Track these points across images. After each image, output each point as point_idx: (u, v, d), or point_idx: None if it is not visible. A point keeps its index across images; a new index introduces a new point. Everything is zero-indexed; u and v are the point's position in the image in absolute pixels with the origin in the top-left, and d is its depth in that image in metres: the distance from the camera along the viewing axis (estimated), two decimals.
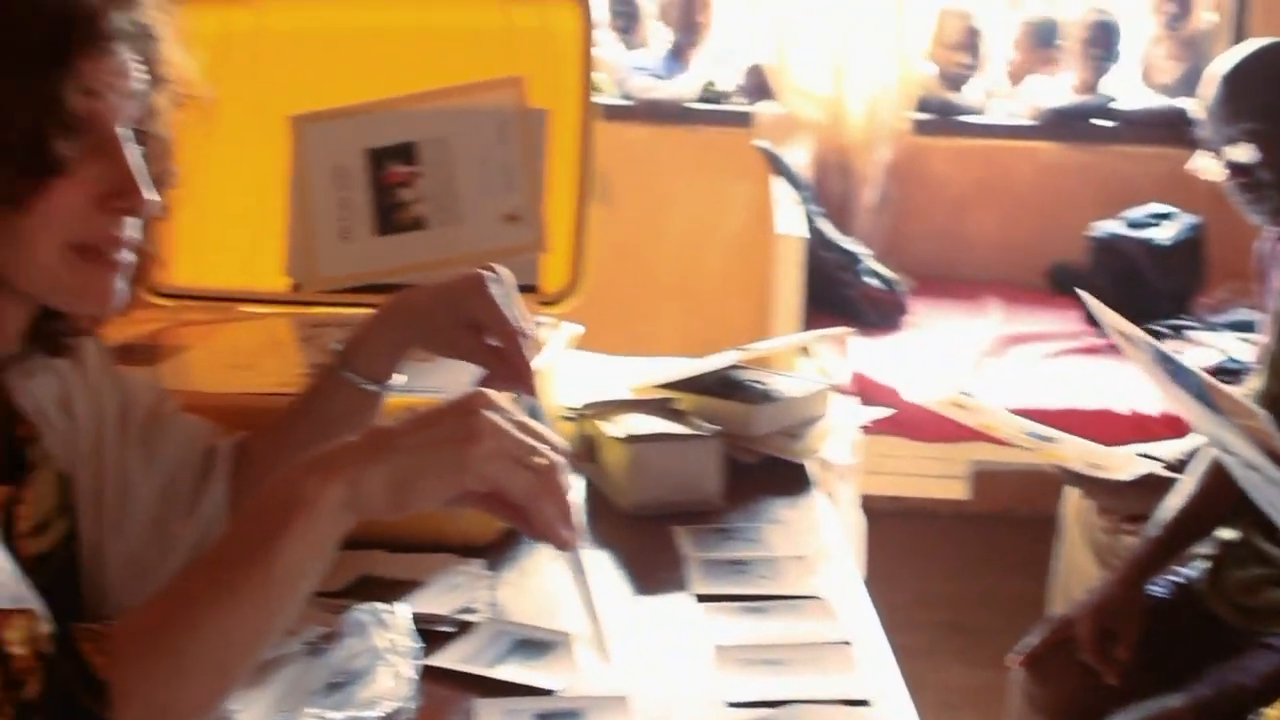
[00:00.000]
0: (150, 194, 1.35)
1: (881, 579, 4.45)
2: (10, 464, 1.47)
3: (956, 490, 4.33)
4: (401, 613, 1.55)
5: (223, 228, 2.42)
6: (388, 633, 1.50)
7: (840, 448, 2.20)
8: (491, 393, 1.27)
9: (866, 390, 4.20)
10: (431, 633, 1.59)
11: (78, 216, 1.33)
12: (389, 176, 2.34)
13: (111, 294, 1.39)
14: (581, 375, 2.35)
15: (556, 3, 2.37)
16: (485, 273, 1.59)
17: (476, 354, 1.58)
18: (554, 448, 1.26)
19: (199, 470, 1.68)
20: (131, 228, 1.37)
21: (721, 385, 2.19)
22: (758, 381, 2.20)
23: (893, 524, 5.02)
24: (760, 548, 1.84)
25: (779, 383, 2.23)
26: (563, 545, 1.26)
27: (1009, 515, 5.01)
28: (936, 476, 4.31)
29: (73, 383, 1.56)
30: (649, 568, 1.79)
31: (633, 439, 1.97)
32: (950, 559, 4.91)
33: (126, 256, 1.38)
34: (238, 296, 2.37)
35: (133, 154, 1.35)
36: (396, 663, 1.46)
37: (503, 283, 1.58)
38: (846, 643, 1.58)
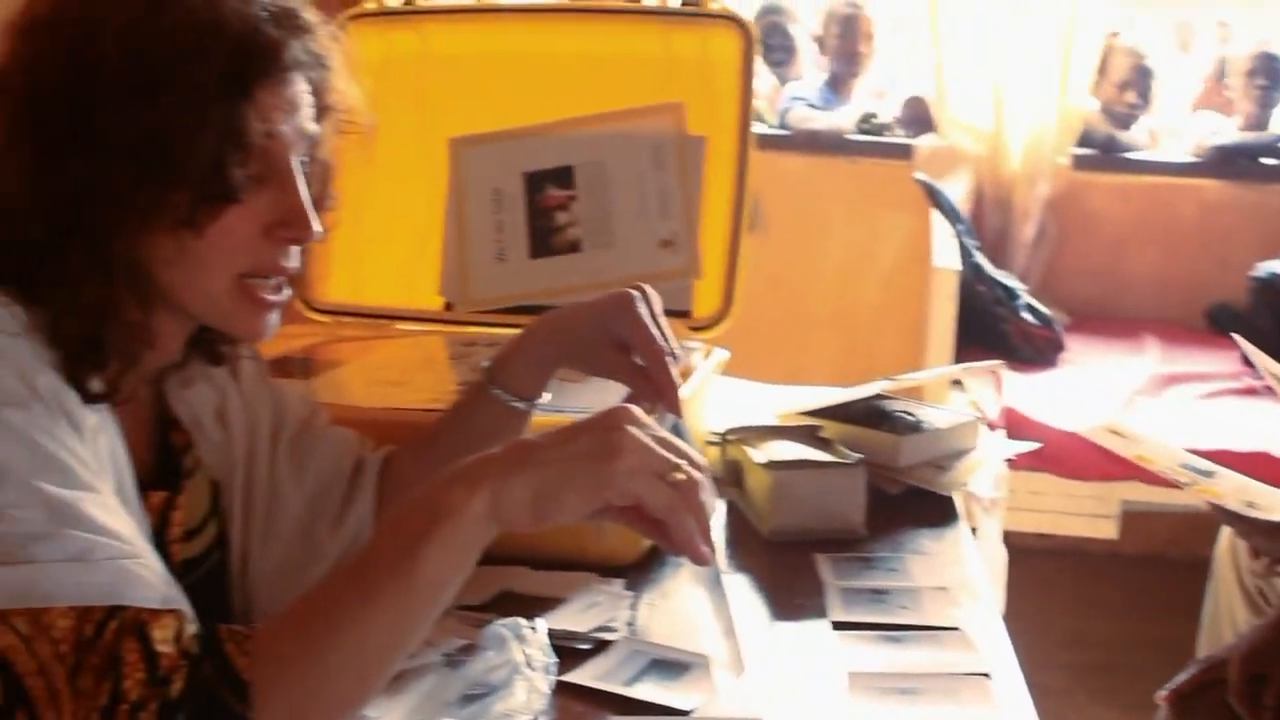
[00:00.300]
0: (317, 225, 1.39)
1: (1025, 616, 4.41)
2: (166, 470, 1.51)
3: (1106, 530, 4.28)
4: (540, 628, 1.57)
5: (380, 247, 2.47)
6: (525, 647, 1.52)
7: (986, 481, 2.18)
8: (635, 409, 1.28)
9: (1018, 426, 4.17)
10: (569, 649, 1.60)
11: (246, 244, 1.37)
12: (545, 200, 2.37)
13: (265, 329, 1.44)
14: (729, 400, 2.36)
15: (717, 30, 2.38)
16: (633, 292, 1.60)
17: (622, 372, 1.59)
18: (695, 465, 1.27)
19: (348, 482, 1.71)
20: (293, 259, 1.41)
21: (869, 415, 2.19)
22: (906, 412, 2.20)
23: (1040, 562, 4.97)
24: (901, 578, 1.84)
25: (928, 414, 2.22)
26: (700, 560, 1.26)
27: (1159, 557, 4.94)
28: (1086, 515, 4.26)
29: (228, 393, 1.60)
30: (788, 594, 1.79)
31: (776, 465, 1.98)
32: (1096, 599, 4.85)
33: (284, 295, 1.43)
34: (393, 314, 2.41)
35: (303, 185, 1.39)
36: (532, 677, 1.48)
37: (650, 302, 1.59)
38: (985, 675, 1.56)
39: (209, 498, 1.57)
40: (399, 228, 2.48)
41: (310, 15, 1.42)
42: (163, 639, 1.20)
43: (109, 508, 1.26)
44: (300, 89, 1.39)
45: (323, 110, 1.44)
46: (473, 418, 1.70)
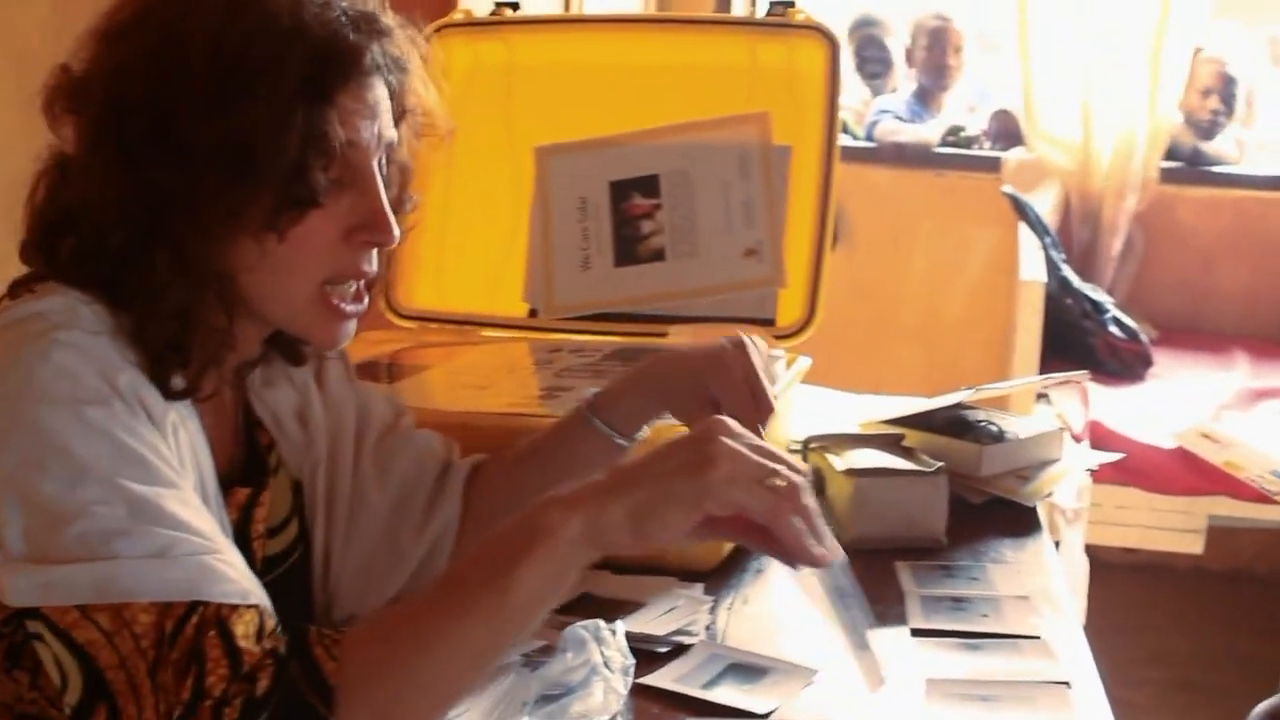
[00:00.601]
0: (396, 229, 1.41)
1: (1110, 632, 4.39)
2: (252, 467, 1.54)
3: (1192, 545, 4.24)
4: (619, 630, 1.58)
5: (466, 254, 2.49)
6: (604, 649, 1.53)
7: (1069, 492, 2.18)
8: (728, 420, 1.28)
9: (1104, 439, 4.15)
10: (647, 652, 1.61)
11: (327, 249, 1.38)
12: (631, 208, 2.38)
13: (341, 338, 1.45)
14: (812, 409, 2.36)
15: (803, 40, 2.39)
16: (729, 347, 1.60)
17: None
18: (793, 468, 1.26)
19: (433, 486, 1.72)
20: (373, 263, 1.43)
21: (952, 424, 2.19)
22: (989, 422, 2.19)
23: (1125, 577, 4.94)
24: (982, 586, 1.83)
25: (1011, 424, 2.21)
26: (815, 562, 1.26)
27: (1245, 573, 4.90)
28: (1172, 530, 4.23)
29: (310, 394, 1.62)
30: (868, 600, 1.79)
31: (857, 473, 1.98)
32: (1182, 615, 4.81)
33: (361, 305, 1.45)
34: (478, 321, 2.43)
35: (383, 189, 1.40)
36: (610, 678, 1.49)
37: (752, 352, 1.60)
38: (1064, 684, 1.56)
39: (291, 496, 1.59)
40: (485, 235, 2.50)
41: (389, 19, 1.43)
42: (244, 634, 1.21)
43: (189, 504, 1.28)
44: (379, 93, 1.40)
45: (401, 113, 1.46)
46: (569, 444, 1.70)
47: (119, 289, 1.33)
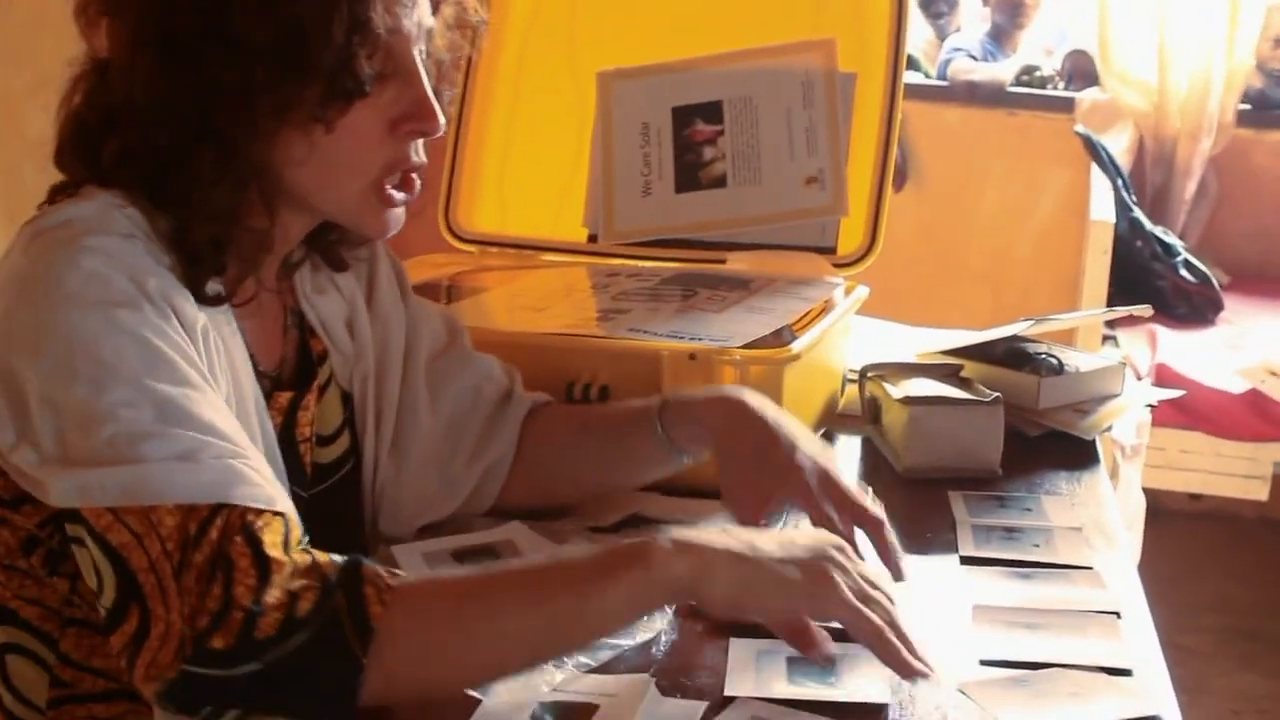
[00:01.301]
0: (441, 118, 1.41)
1: (1172, 579, 4.38)
2: (302, 373, 1.54)
3: (1257, 491, 4.20)
4: None
5: (527, 179, 2.49)
6: None
7: (1128, 427, 2.15)
8: (848, 549, 1.35)
9: (1171, 383, 4.10)
10: None
11: (375, 141, 1.40)
12: (693, 134, 2.37)
13: (390, 226, 1.46)
14: (871, 339, 2.35)
15: None
16: (809, 471, 1.58)
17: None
18: (888, 598, 1.35)
19: (490, 414, 1.72)
20: (420, 152, 1.44)
21: (1011, 356, 2.17)
22: (1049, 354, 2.17)
23: (1189, 524, 4.91)
24: (1035, 517, 1.82)
25: (1071, 357, 2.19)
26: (913, 675, 1.32)
27: None
28: (1238, 476, 4.19)
29: (358, 305, 1.63)
30: (919, 528, 1.77)
31: (913, 401, 1.96)
32: (1244, 564, 4.78)
33: (408, 195, 1.45)
34: (538, 245, 2.43)
35: (426, 78, 1.41)
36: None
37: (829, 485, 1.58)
38: (1115, 614, 1.54)
39: (342, 408, 1.60)
40: (546, 160, 2.50)
41: None
42: (272, 542, 1.22)
43: (216, 407, 1.28)
44: None
45: (437, 4, 1.47)
46: (630, 438, 1.70)
47: (162, 190, 1.34)
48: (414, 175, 1.45)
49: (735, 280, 2.14)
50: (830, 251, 2.28)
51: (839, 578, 1.30)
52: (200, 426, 1.25)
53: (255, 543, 1.22)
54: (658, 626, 1.46)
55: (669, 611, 1.48)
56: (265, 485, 1.26)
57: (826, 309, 2.04)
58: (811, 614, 1.31)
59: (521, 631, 1.25)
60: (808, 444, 1.60)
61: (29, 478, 1.25)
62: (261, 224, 1.40)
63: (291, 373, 1.54)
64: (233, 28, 1.30)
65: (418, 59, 1.41)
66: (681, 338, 1.85)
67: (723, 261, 2.26)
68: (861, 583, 1.32)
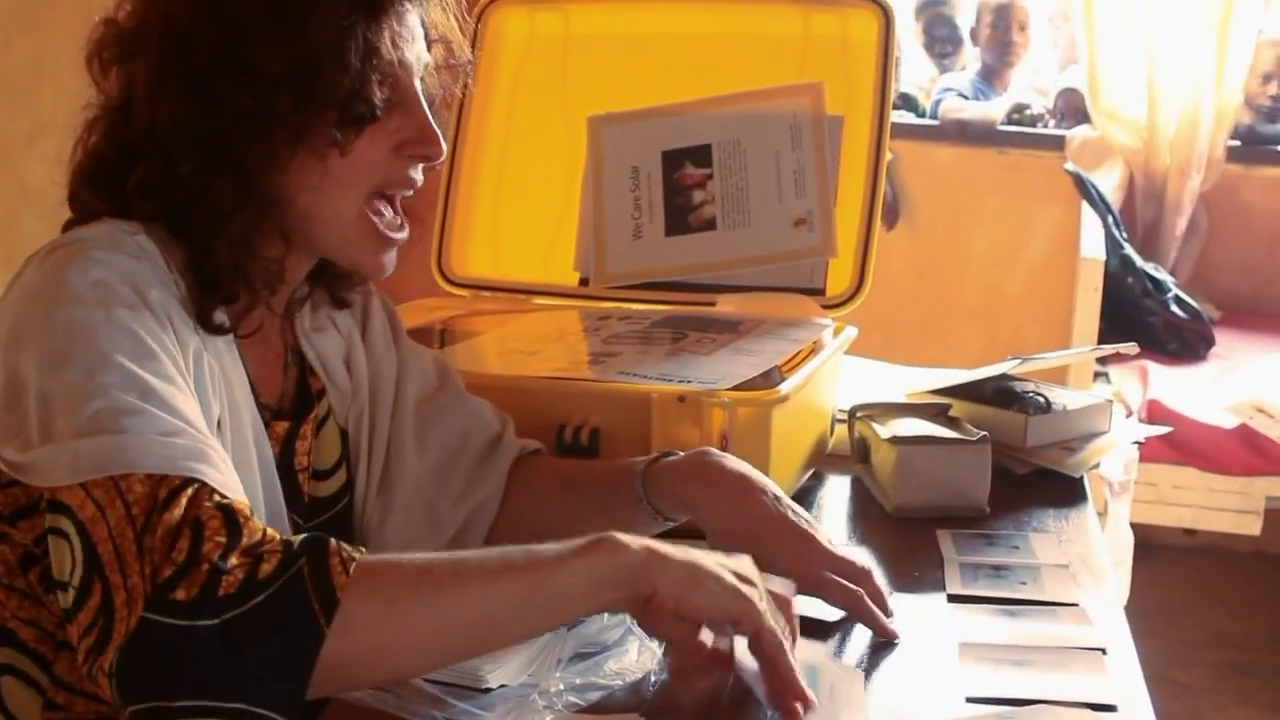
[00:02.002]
0: (443, 143, 1.49)
1: (1167, 614, 4.39)
2: (300, 408, 1.58)
3: (1250, 526, 4.21)
4: None
5: (519, 223, 2.52)
6: None
7: (1115, 464, 2.17)
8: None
9: (1163, 418, 4.13)
10: None
11: (379, 164, 1.47)
12: (683, 177, 2.39)
13: (384, 262, 1.52)
14: (860, 379, 2.37)
15: (856, 11, 2.39)
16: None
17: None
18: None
19: (478, 457, 1.74)
20: (419, 174, 1.51)
21: (999, 395, 2.19)
22: (1036, 393, 2.19)
23: (1184, 559, 4.93)
24: (1022, 555, 1.83)
25: (1058, 395, 2.21)
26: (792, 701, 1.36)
27: None
28: (1230, 511, 4.20)
29: (355, 343, 1.67)
30: (908, 566, 1.79)
31: (901, 441, 1.98)
32: (1241, 598, 4.79)
33: (403, 234, 1.52)
34: (529, 289, 2.44)
35: (426, 106, 1.49)
36: (645, 637, 1.50)
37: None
38: (1100, 650, 1.56)
39: (340, 444, 1.63)
40: (537, 204, 2.52)
41: None
42: (241, 510, 1.24)
43: (195, 410, 1.31)
44: (416, 20, 1.49)
45: (429, 43, 1.54)
46: (612, 503, 1.71)
47: (184, 219, 1.40)
48: (405, 220, 1.52)
49: (725, 322, 2.16)
50: (819, 293, 2.30)
51: (756, 597, 1.36)
52: (181, 416, 1.28)
53: (227, 509, 1.23)
54: (647, 666, 1.48)
55: (658, 652, 1.50)
56: (231, 484, 1.28)
57: (815, 350, 2.06)
58: (740, 622, 1.35)
59: (472, 609, 1.27)
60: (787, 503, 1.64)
61: (19, 466, 1.27)
62: (276, 252, 1.46)
63: (290, 407, 1.58)
64: (250, 59, 1.37)
65: (418, 88, 1.49)
66: (671, 380, 1.87)
67: (712, 304, 2.27)
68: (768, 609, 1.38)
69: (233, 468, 1.32)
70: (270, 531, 1.24)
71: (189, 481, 1.23)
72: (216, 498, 1.24)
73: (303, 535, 1.25)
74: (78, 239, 1.36)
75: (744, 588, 1.35)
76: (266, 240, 1.45)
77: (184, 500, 1.22)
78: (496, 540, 1.73)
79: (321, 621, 1.19)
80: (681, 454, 1.69)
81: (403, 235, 1.52)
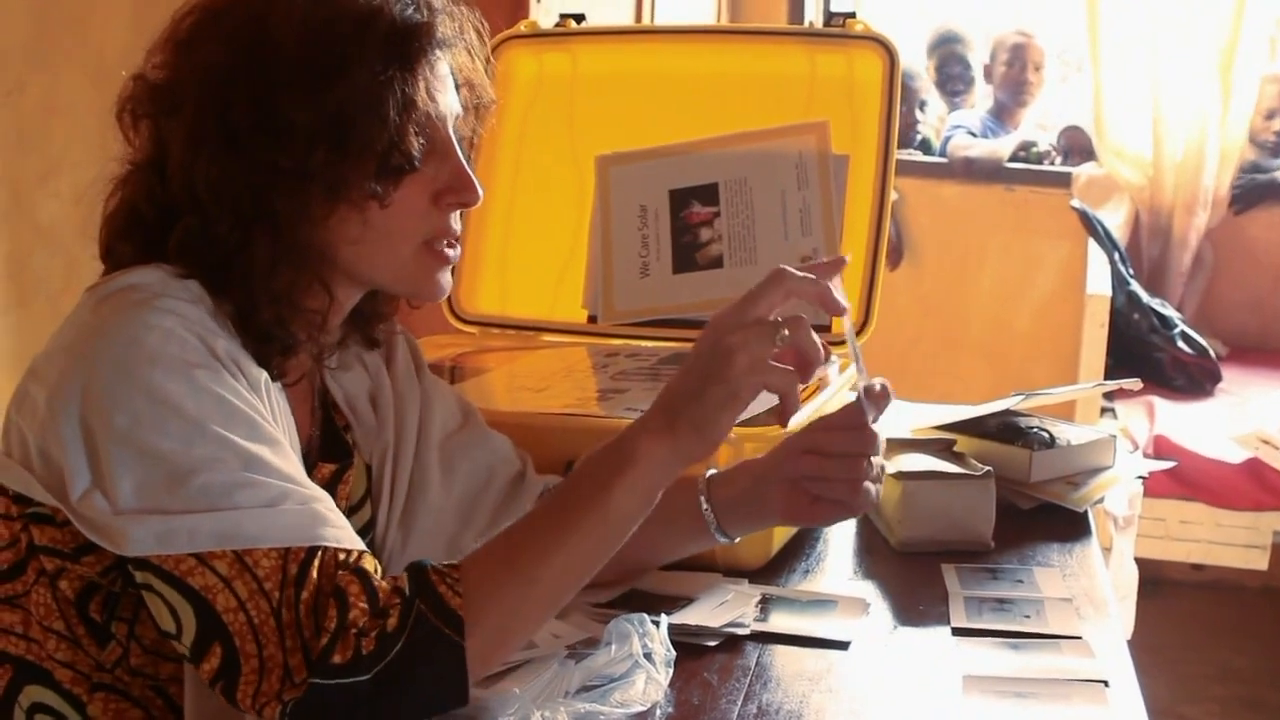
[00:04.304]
0: (479, 188, 1.51)
1: (1176, 649, 4.38)
2: (332, 447, 1.61)
3: (1257, 561, 4.23)
4: (662, 622, 1.60)
5: (528, 261, 2.54)
6: (647, 641, 1.56)
7: (1120, 499, 2.19)
8: (728, 310, 1.45)
9: (1169, 454, 4.14)
10: (694, 646, 1.64)
11: (420, 212, 1.48)
12: (690, 216, 2.41)
13: (442, 285, 1.55)
14: None
15: (861, 51, 2.41)
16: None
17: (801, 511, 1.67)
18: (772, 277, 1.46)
19: (502, 494, 1.77)
20: (459, 222, 1.53)
21: (1003, 430, 2.20)
22: (1041, 428, 2.21)
23: (1192, 594, 4.92)
24: (1026, 589, 1.85)
25: (1062, 430, 2.23)
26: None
27: None
28: (1238, 546, 4.21)
29: (381, 380, 1.69)
30: (913, 601, 1.81)
31: (905, 476, 2.00)
32: (1249, 633, 4.79)
33: (456, 251, 1.54)
34: (538, 326, 2.47)
35: (462, 153, 1.51)
36: (651, 670, 1.51)
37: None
38: (1103, 683, 1.57)
39: (365, 479, 1.65)
40: (546, 242, 2.54)
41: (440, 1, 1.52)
42: (375, 571, 1.34)
43: (290, 458, 1.37)
44: (446, 68, 1.51)
45: (458, 87, 1.55)
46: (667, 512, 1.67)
47: (223, 276, 1.41)
48: (455, 246, 1.55)
49: None
50: (825, 330, 2.31)
51: (739, 353, 1.39)
52: (281, 476, 1.33)
53: (360, 572, 1.33)
54: (654, 698, 1.49)
55: (665, 685, 1.51)
56: (345, 528, 1.36)
57: (821, 387, 2.08)
58: (747, 398, 1.40)
59: (566, 561, 1.39)
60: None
61: (98, 525, 1.31)
62: (319, 305, 1.49)
63: (317, 449, 1.60)
64: (286, 115, 1.39)
65: (452, 135, 1.51)
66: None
67: None
68: (763, 333, 1.41)
69: (332, 503, 1.38)
70: (382, 583, 1.34)
71: (314, 550, 1.31)
72: (341, 557, 1.33)
73: (408, 575, 1.35)
74: (131, 285, 1.37)
75: (726, 386, 1.39)
76: (308, 294, 1.47)
77: (314, 571, 1.31)
78: None
79: (456, 638, 1.33)
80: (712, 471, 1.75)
81: (455, 252, 1.54)
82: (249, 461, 1.31)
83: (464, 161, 1.51)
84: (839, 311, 1.51)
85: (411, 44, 1.45)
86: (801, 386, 1.44)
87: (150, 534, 1.28)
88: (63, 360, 1.36)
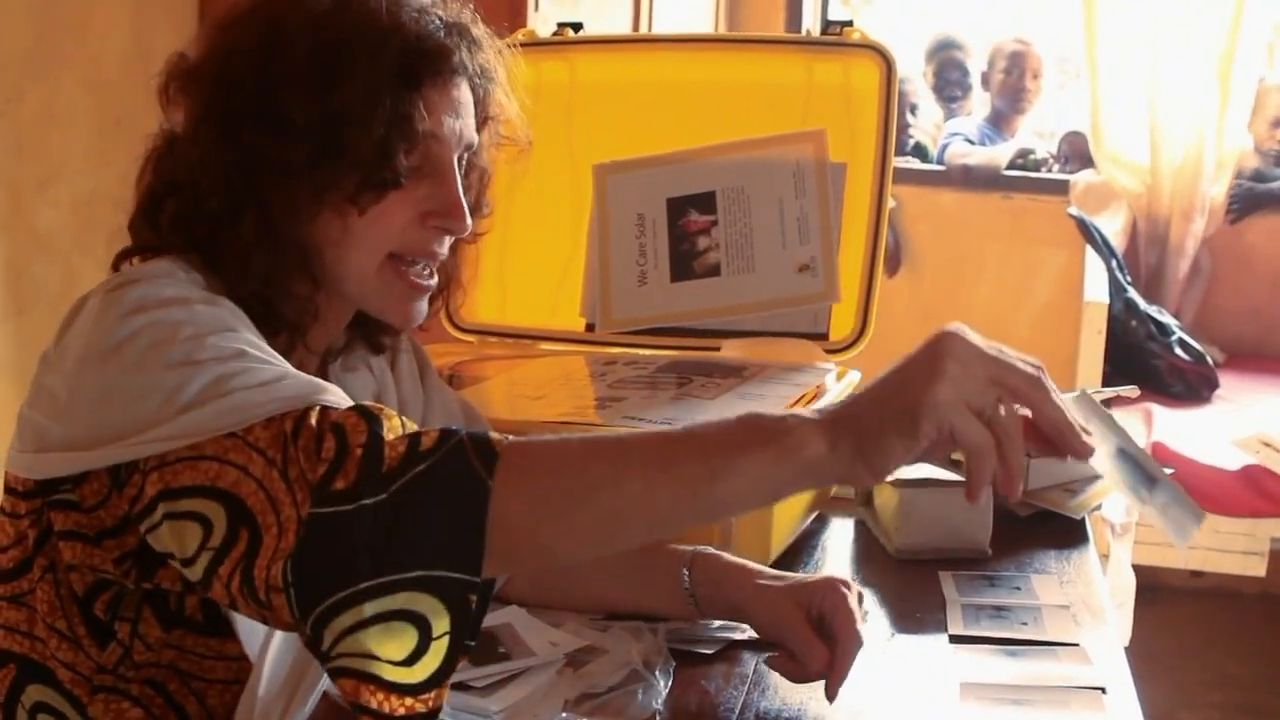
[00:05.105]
0: (468, 219, 1.51)
1: (1175, 656, 4.38)
2: None
3: (1255, 567, 4.23)
4: (660, 632, 1.61)
5: (526, 269, 2.53)
6: (645, 649, 1.56)
7: (1117, 506, 2.19)
8: (966, 329, 1.24)
9: (1167, 461, 4.14)
10: (691, 654, 1.64)
11: (401, 228, 1.49)
12: (688, 224, 2.42)
13: (413, 312, 1.55)
14: None
15: (859, 59, 2.41)
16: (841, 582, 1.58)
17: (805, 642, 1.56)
18: (1031, 367, 1.25)
19: None
20: (443, 246, 1.53)
21: None
22: None
23: (1191, 601, 4.93)
24: (1024, 596, 1.85)
25: None
26: (1079, 452, 1.26)
27: None
28: (1236, 552, 4.22)
29: (386, 384, 1.71)
30: (910, 608, 1.82)
31: (903, 484, 2.00)
32: (1248, 640, 4.79)
33: (432, 281, 1.54)
34: (536, 334, 2.47)
35: (459, 180, 1.50)
36: (650, 678, 1.52)
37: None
38: (1100, 690, 1.58)
39: None
40: (544, 251, 2.54)
41: (480, 30, 1.55)
42: (373, 407, 1.26)
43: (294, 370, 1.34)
44: (464, 94, 1.51)
45: (484, 120, 1.57)
46: (648, 574, 1.69)
47: (211, 252, 1.44)
48: (434, 268, 1.54)
49: (729, 367, 2.18)
50: (823, 337, 2.32)
51: (949, 382, 1.19)
52: (281, 365, 1.32)
53: (360, 408, 1.24)
54: (652, 707, 1.49)
55: (663, 693, 1.52)
56: (348, 400, 1.29)
57: (818, 394, 2.08)
58: (928, 431, 1.18)
59: (646, 496, 1.21)
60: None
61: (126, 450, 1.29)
62: (304, 290, 1.49)
63: None
64: (282, 109, 1.41)
65: (454, 162, 1.51)
66: (676, 425, 1.89)
67: (717, 349, 2.30)
68: (988, 374, 1.22)
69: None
70: (410, 421, 1.26)
71: (308, 410, 1.25)
72: (344, 406, 1.26)
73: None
74: (137, 276, 1.39)
75: (915, 406, 1.19)
76: (293, 280, 1.48)
77: (312, 420, 1.23)
78: (517, 587, 1.74)
79: (484, 475, 1.18)
80: (727, 558, 1.68)
81: (431, 283, 1.54)
82: (243, 355, 1.30)
83: (459, 188, 1.51)
84: (1078, 454, 1.29)
85: (423, 63, 1.46)
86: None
87: (163, 438, 1.26)
88: (78, 347, 1.36)
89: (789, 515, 1.94)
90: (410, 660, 1.17)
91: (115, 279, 1.40)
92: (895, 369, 1.23)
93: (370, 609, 1.16)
